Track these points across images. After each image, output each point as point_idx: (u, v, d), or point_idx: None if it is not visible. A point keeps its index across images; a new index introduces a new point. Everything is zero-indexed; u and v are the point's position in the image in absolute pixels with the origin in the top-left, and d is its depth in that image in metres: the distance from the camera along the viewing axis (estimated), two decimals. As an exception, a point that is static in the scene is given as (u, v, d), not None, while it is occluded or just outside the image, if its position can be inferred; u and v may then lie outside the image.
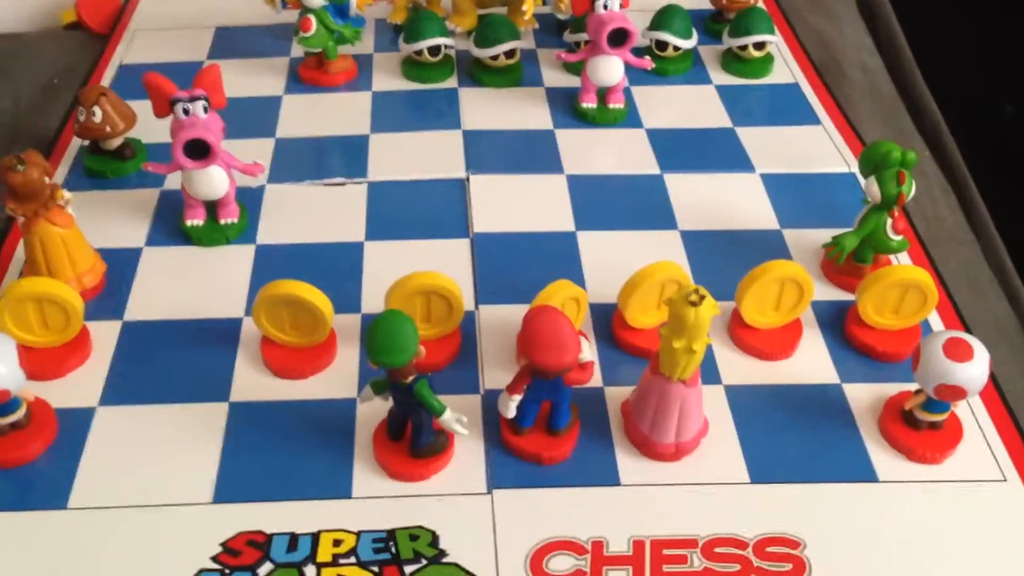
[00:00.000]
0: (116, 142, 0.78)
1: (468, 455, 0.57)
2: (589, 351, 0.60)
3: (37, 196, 0.62)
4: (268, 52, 0.94)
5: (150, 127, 0.77)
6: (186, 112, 0.67)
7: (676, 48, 0.90)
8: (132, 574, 0.51)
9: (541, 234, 0.73)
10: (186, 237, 0.72)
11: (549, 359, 0.53)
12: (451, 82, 0.90)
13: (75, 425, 0.58)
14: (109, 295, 0.67)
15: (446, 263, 0.69)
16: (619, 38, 0.79)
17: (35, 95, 0.88)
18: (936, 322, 0.68)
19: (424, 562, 0.52)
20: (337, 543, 0.53)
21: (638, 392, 0.58)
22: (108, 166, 0.78)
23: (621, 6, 0.79)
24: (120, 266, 0.69)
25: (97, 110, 0.75)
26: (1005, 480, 0.58)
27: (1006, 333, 0.72)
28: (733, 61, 0.91)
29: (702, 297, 0.52)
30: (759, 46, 0.90)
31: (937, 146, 0.90)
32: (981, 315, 0.72)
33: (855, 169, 0.79)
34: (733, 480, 0.57)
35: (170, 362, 0.63)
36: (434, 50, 0.88)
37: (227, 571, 0.51)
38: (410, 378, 0.53)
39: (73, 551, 0.52)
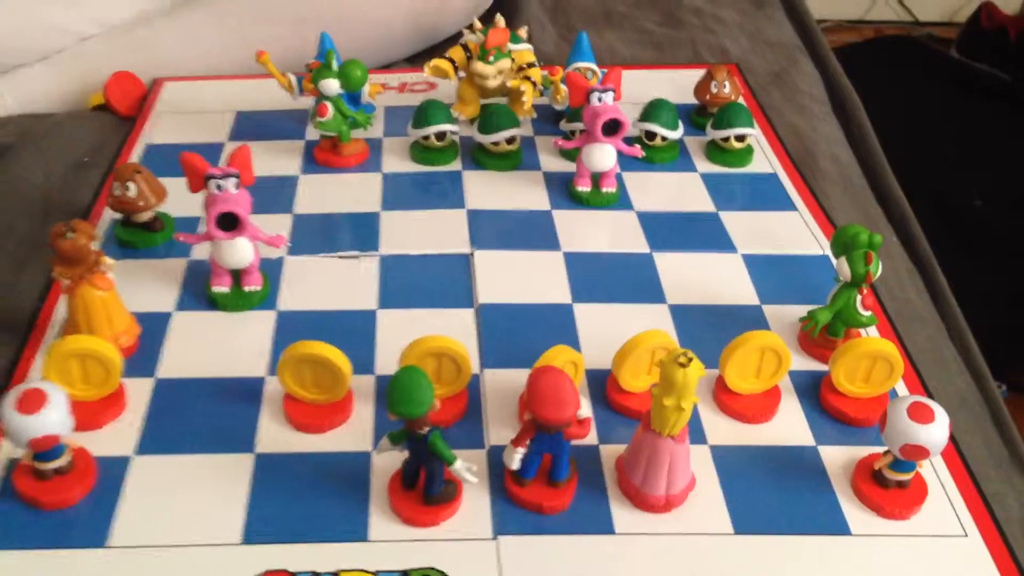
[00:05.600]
0: (147, 215, 0.83)
1: (475, 503, 0.62)
2: (587, 408, 0.65)
3: (83, 261, 0.68)
4: (285, 135, 1.00)
5: (176, 203, 0.84)
6: (219, 188, 0.73)
7: (664, 138, 0.97)
8: (166, 608, 0.56)
9: (540, 305, 0.79)
10: (212, 303, 0.77)
11: (552, 413, 0.58)
12: (455, 165, 0.96)
13: (113, 472, 0.63)
14: (143, 355, 0.72)
15: (453, 331, 0.74)
16: (612, 128, 0.86)
17: (66, 171, 0.94)
18: (903, 391, 0.73)
19: (436, 600, 0.57)
20: (356, 581, 0.58)
21: (631, 448, 0.64)
22: (139, 237, 0.84)
23: (614, 99, 0.87)
24: (152, 328, 0.75)
25: (132, 185, 0.81)
26: (966, 535, 0.63)
27: (968, 404, 0.78)
28: (716, 151, 0.99)
29: (690, 359, 0.58)
30: (740, 138, 0.97)
31: (905, 233, 0.97)
32: (944, 387, 0.78)
33: (828, 251, 0.86)
34: (718, 531, 0.62)
35: (200, 416, 0.68)
36: (440, 135, 0.95)
37: (255, 606, 0.56)
38: (425, 429, 0.58)
39: (112, 586, 0.57)
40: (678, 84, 1.07)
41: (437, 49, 1.14)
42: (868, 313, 0.75)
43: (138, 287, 0.78)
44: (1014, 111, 2.10)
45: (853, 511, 0.64)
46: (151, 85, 1.09)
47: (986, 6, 2.35)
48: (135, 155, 0.97)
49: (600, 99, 0.86)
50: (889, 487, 0.64)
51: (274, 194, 0.91)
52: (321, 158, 0.96)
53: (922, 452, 0.61)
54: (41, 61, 1.10)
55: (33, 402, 0.57)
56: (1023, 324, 1.84)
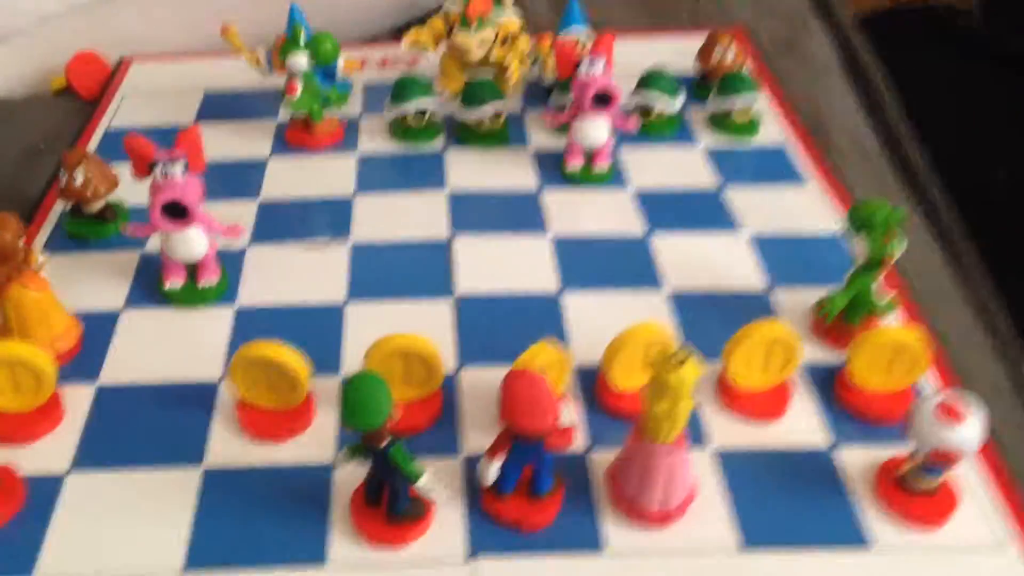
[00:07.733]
0: (98, 205, 0.77)
1: (448, 520, 0.56)
2: (570, 415, 0.58)
3: (10, 259, 0.61)
4: (256, 115, 0.94)
5: (134, 190, 0.77)
6: (164, 175, 0.66)
7: (661, 111, 0.90)
8: (95, 649, 0.49)
9: (525, 296, 0.72)
10: (165, 299, 0.71)
11: (527, 423, 0.51)
12: (438, 144, 0.89)
13: (44, 492, 0.57)
14: (84, 359, 0.66)
15: (429, 324, 0.68)
16: (603, 100, 0.79)
17: (19, 159, 0.88)
18: (930, 380, 0.66)
19: (400, 635, 0.50)
20: (310, 614, 0.51)
21: (622, 457, 0.57)
22: (89, 229, 0.77)
23: (605, 68, 0.79)
24: (97, 329, 0.68)
25: (79, 173, 0.75)
26: (1005, 546, 0.56)
27: (1001, 393, 0.71)
28: (719, 123, 0.91)
29: (682, 360, 0.50)
30: (745, 108, 0.90)
31: (927, 204, 0.90)
32: (975, 373, 0.71)
33: (844, 228, 0.78)
34: (722, 547, 0.55)
35: (145, 427, 0.61)
36: (419, 113, 0.88)
37: (194, 645, 0.49)
38: (384, 442, 0.52)
39: (35, 624, 0.50)
40: (678, 51, 0.99)
41: (424, 20, 1.06)
42: (887, 300, 0.67)
43: (84, 283, 0.72)
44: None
45: (874, 521, 0.57)
46: (116, 65, 1.02)
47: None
48: (95, 141, 0.90)
49: (589, 70, 0.79)
50: (916, 493, 0.57)
51: (240, 179, 0.84)
52: (293, 139, 0.89)
53: (954, 457, 0.54)
54: (-3, 42, 1.03)
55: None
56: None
